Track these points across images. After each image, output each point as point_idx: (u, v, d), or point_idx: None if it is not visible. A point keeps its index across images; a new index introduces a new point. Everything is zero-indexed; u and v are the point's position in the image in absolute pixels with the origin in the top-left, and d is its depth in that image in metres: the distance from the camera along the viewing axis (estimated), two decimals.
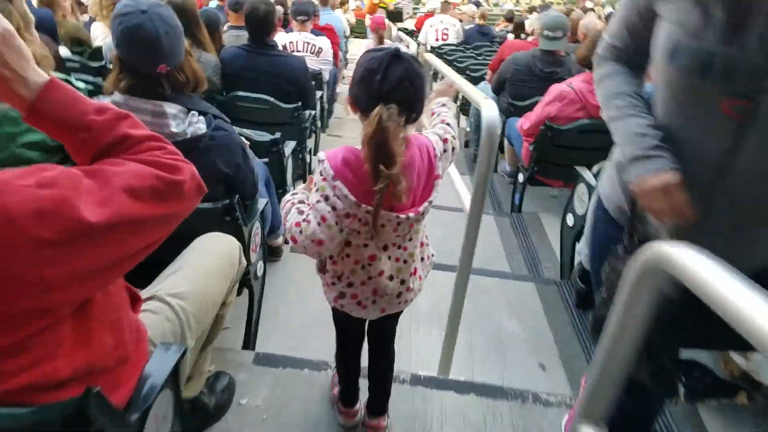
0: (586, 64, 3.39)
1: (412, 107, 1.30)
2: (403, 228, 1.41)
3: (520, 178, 3.94)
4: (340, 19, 8.72)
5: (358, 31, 15.09)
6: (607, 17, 9.01)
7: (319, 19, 6.55)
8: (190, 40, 3.20)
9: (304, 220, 1.37)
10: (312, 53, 4.90)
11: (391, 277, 1.48)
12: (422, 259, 1.59)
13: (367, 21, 12.78)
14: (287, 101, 3.48)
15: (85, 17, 5.61)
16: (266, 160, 2.75)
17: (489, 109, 1.73)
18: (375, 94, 1.26)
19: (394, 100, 1.25)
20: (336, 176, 1.30)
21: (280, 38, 4.87)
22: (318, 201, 1.34)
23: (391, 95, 1.25)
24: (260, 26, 3.48)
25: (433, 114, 1.68)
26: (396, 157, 1.22)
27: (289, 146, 3.24)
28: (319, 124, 4.82)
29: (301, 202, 1.46)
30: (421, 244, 1.57)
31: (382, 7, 11.37)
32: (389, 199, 1.29)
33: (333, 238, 1.36)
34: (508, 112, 4.44)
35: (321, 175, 1.33)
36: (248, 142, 2.21)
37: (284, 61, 3.59)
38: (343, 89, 8.38)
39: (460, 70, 6.76)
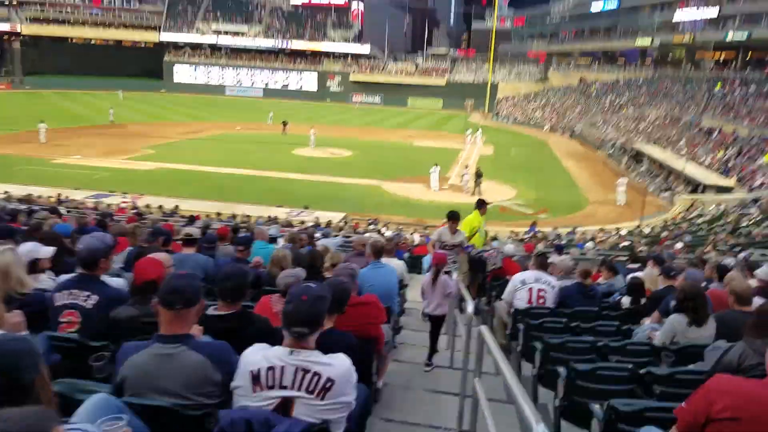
0: None
1: None
2: None
3: None
4: (394, 270, 6.49)
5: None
6: None
7: (355, 290, 4.26)
8: None
9: None
10: (311, 392, 2.40)
11: None
12: None
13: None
14: None
15: None
16: None
17: None
18: None
19: None
20: None
21: (250, 360, 2.45)
22: None
23: None
24: None
25: None
26: None
27: None
28: None
29: None
30: None
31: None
32: None
33: None
34: None
35: None
36: None
37: None
38: (393, 379, 5.77)
39: (586, 377, 4.08)
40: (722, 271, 7.05)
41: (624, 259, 11.46)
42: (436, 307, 6.44)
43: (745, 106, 44.15)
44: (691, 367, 4.43)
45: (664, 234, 20.22)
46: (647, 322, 6.13)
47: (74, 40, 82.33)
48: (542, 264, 7.28)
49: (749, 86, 48.39)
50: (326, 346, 2.79)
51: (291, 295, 2.58)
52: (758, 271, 7.22)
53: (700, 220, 23.81)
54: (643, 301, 6.53)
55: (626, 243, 18.09)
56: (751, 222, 21.02)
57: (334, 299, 3.06)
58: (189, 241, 6.40)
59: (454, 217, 8.49)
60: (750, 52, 57.96)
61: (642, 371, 4.05)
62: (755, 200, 25.76)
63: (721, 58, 59.30)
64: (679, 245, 15.95)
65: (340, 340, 3.15)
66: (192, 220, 13.23)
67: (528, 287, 6.82)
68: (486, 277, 9.58)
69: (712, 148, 37.96)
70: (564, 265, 7.68)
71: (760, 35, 51.43)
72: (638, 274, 7.56)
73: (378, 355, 4.60)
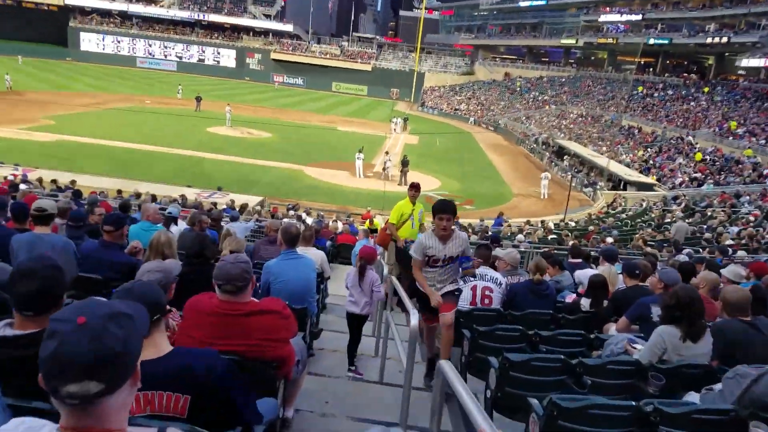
0: None
1: None
2: None
3: None
4: (311, 262, 5.16)
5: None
6: None
7: (248, 291, 2.93)
8: None
9: None
10: None
11: None
12: None
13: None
14: None
15: None
16: None
17: None
18: None
19: None
20: None
21: None
22: None
23: None
24: None
25: None
26: None
27: None
28: None
29: None
30: None
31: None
32: None
33: None
34: None
35: None
36: None
37: None
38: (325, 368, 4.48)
39: (572, 416, 2.96)
40: (686, 270, 6.21)
41: (561, 252, 10.70)
42: (365, 306, 5.65)
43: (663, 109, 45.80)
44: (696, 400, 3.43)
45: (591, 228, 20.08)
46: (612, 328, 5.20)
47: None
48: (485, 256, 6.20)
49: (667, 90, 50.37)
50: (159, 380, 1.46)
51: (55, 321, 1.24)
52: (725, 271, 6.50)
53: (623, 215, 24.07)
54: (605, 303, 5.59)
55: (554, 236, 17.70)
56: (673, 219, 21.33)
57: (149, 306, 1.68)
58: (41, 217, 4.80)
59: (442, 209, 4.52)
60: (669, 59, 60.66)
61: (647, 408, 2.97)
62: (674, 198, 26.43)
63: (642, 62, 61.67)
64: (609, 239, 15.66)
65: (183, 370, 1.76)
66: (78, 194, 11.25)
67: (471, 285, 5.75)
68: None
69: (632, 146, 39.01)
70: (511, 258, 6.64)
71: (679, 42, 53.60)
72: (595, 270, 6.64)
73: (285, 380, 3.30)
